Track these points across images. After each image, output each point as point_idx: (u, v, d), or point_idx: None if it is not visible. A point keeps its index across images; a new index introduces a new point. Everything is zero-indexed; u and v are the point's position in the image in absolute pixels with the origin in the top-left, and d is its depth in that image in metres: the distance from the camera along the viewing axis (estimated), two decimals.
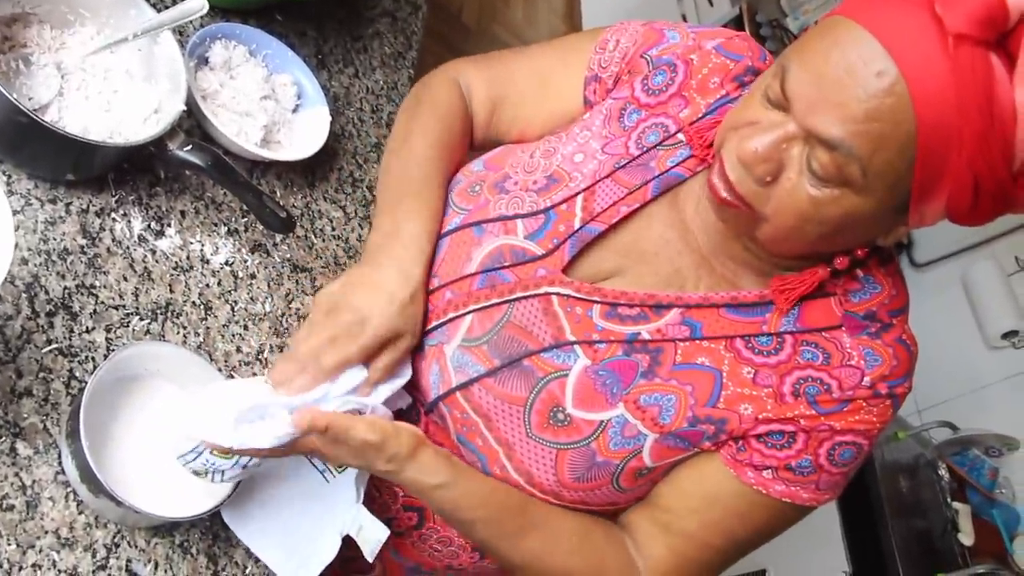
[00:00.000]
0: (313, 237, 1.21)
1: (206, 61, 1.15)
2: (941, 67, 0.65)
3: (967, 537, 2.30)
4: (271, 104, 1.19)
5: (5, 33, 0.96)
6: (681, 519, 0.86)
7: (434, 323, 0.89)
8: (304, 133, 1.24)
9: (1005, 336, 2.52)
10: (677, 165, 0.90)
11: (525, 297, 0.87)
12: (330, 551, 0.89)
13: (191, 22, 1.04)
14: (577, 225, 0.89)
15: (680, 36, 0.94)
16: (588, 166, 0.92)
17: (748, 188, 0.76)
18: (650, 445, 0.84)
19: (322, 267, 1.20)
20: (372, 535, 0.87)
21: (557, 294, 0.87)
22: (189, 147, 0.99)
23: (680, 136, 0.91)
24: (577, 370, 0.85)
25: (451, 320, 0.88)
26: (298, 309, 1.14)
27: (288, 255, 1.16)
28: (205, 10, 1.01)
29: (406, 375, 0.87)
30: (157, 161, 1.05)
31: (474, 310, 0.88)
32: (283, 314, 1.11)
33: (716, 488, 0.85)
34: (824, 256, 0.83)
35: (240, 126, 1.14)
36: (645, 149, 0.91)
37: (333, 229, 1.24)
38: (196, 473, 0.81)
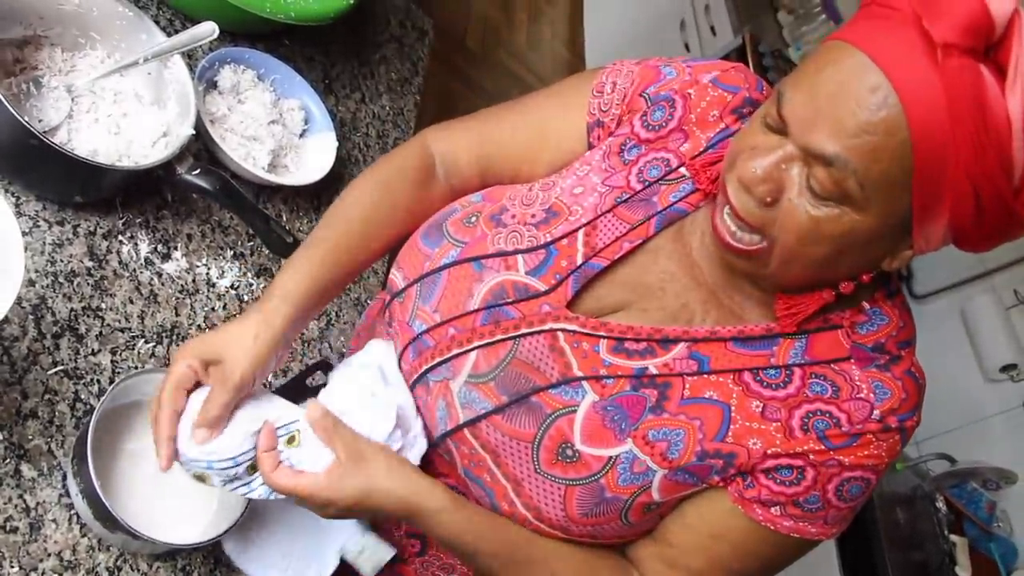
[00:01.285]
0: None
1: (215, 85, 1.16)
2: (931, 77, 0.67)
3: (964, 571, 2.29)
4: (279, 129, 1.20)
5: (16, 55, 0.97)
6: (687, 555, 0.86)
7: (437, 359, 0.89)
8: (311, 158, 1.25)
9: (1003, 369, 2.52)
10: (680, 200, 0.90)
11: (531, 334, 0.87)
12: (328, 572, 0.89)
13: (200, 46, 1.05)
14: (580, 261, 0.89)
15: (676, 72, 0.95)
16: (588, 199, 0.92)
17: (752, 212, 0.76)
18: (659, 481, 0.83)
19: None
20: (375, 555, 0.87)
21: (563, 330, 0.87)
22: (197, 171, 1.00)
23: (682, 171, 0.91)
24: (585, 406, 0.85)
25: (455, 356, 0.88)
26: (303, 333, 1.14)
27: None
28: (215, 35, 1.03)
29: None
30: (165, 184, 1.06)
31: (479, 346, 0.88)
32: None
33: (723, 524, 0.85)
34: (829, 283, 0.83)
35: (248, 150, 1.15)
36: (647, 184, 0.91)
37: None
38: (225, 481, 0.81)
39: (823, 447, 0.81)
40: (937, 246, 0.78)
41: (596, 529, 0.85)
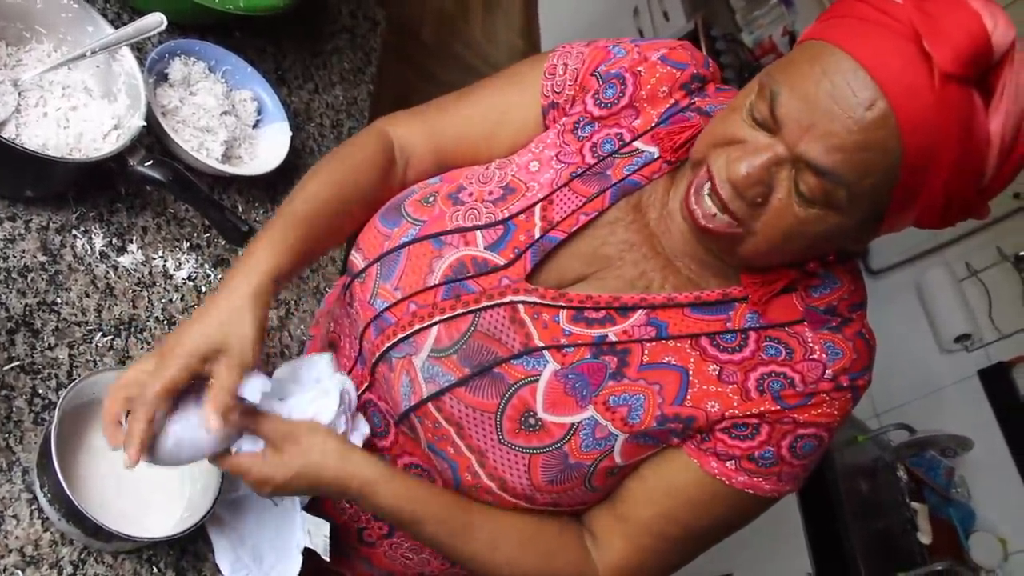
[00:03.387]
0: None
1: (165, 77, 1.16)
2: (927, 101, 0.69)
3: (925, 536, 2.35)
4: (231, 120, 1.19)
5: None
6: (639, 509, 0.88)
7: (399, 336, 0.90)
8: (265, 148, 1.25)
9: (957, 340, 2.58)
10: (634, 173, 0.92)
11: (491, 307, 0.88)
12: (294, 569, 0.91)
13: (149, 38, 1.04)
14: (537, 234, 0.91)
15: (626, 51, 0.96)
16: (544, 175, 0.94)
17: (739, 207, 0.78)
18: (620, 445, 0.85)
19: None
20: (319, 532, 0.89)
21: (523, 302, 0.88)
22: (150, 162, 1.00)
23: (635, 144, 0.93)
24: (547, 375, 0.86)
25: (417, 332, 0.89)
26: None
27: None
28: (163, 26, 1.02)
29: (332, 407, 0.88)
30: (118, 177, 1.05)
31: (440, 321, 0.89)
32: None
33: (678, 478, 0.87)
34: (796, 264, 0.86)
35: (201, 141, 1.14)
36: (601, 158, 0.93)
37: None
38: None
39: (778, 407, 0.84)
40: (900, 230, 0.82)
41: (560, 496, 0.87)
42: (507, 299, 0.88)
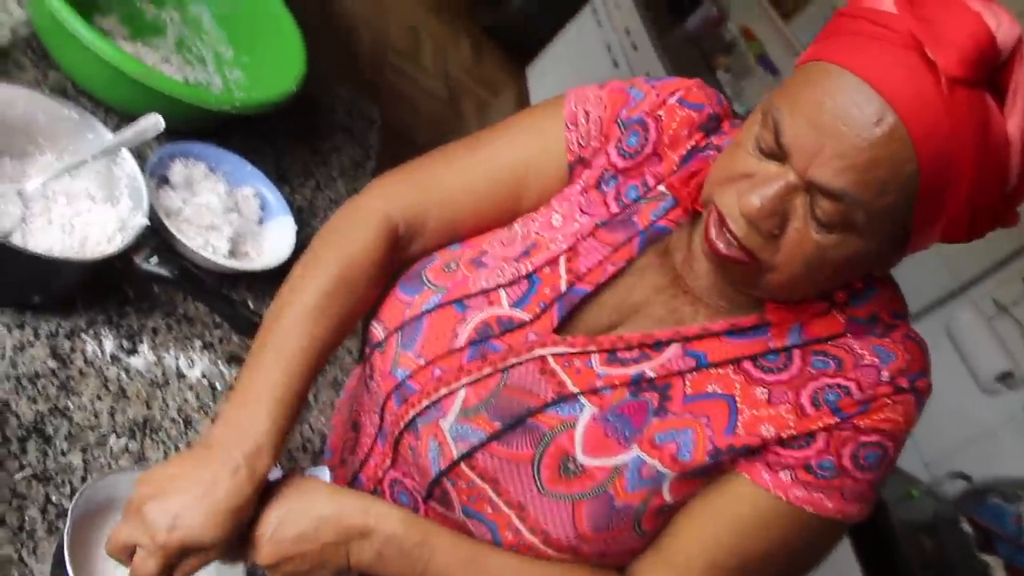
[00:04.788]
0: None
1: (167, 180, 1.17)
2: (937, 108, 0.66)
3: None
4: (235, 217, 1.19)
5: None
6: (686, 542, 0.81)
7: (424, 403, 0.86)
8: (272, 242, 1.24)
9: (999, 379, 2.50)
10: (660, 218, 0.89)
11: (519, 363, 0.85)
12: None
13: (149, 144, 1.05)
14: (563, 288, 0.87)
15: (644, 92, 0.92)
16: (568, 228, 0.90)
17: (755, 242, 0.75)
18: (670, 483, 0.80)
19: None
20: None
21: (552, 354, 0.85)
22: (156, 260, 0.99)
23: (660, 188, 0.91)
24: (585, 419, 0.82)
25: (443, 397, 0.85)
26: None
27: None
28: (161, 127, 1.04)
29: None
30: (125, 278, 1.04)
31: (467, 384, 0.85)
32: None
33: (726, 497, 0.80)
34: (823, 295, 0.83)
35: (206, 239, 1.14)
36: (625, 206, 0.91)
37: None
38: None
39: (837, 419, 0.78)
40: (927, 247, 0.79)
41: (608, 544, 0.81)
42: (535, 353, 0.85)
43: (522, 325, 0.86)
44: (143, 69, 1.11)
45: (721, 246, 0.77)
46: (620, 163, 0.91)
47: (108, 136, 1.02)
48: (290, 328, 0.84)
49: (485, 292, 0.88)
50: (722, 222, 0.76)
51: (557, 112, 0.93)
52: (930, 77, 0.66)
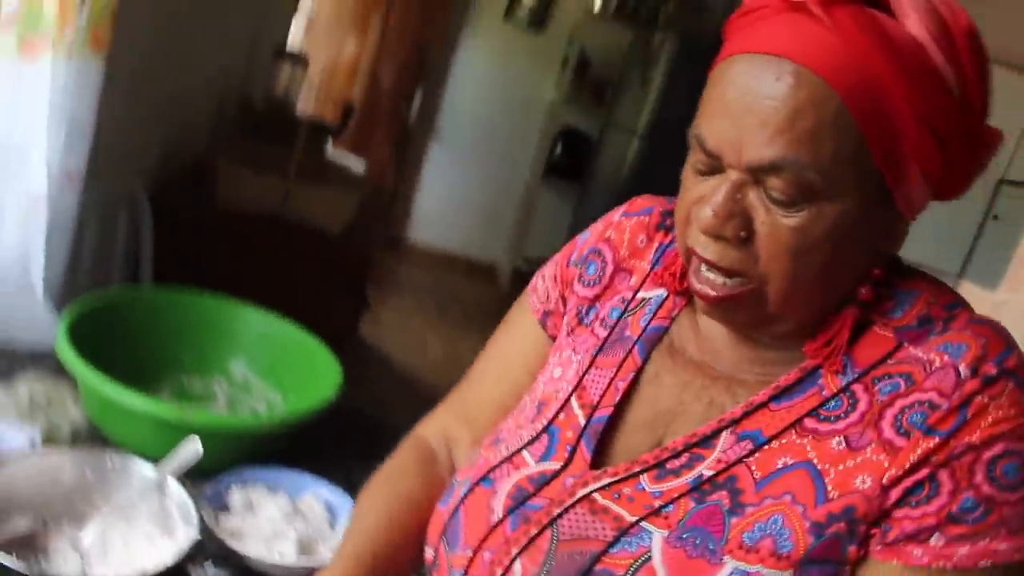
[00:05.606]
0: None
1: (226, 507, 1.18)
2: (827, 38, 0.66)
3: None
4: (300, 524, 1.18)
5: (26, 542, 1.00)
6: None
7: None
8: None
9: None
10: (651, 320, 0.88)
11: (565, 511, 0.78)
12: None
13: (210, 484, 1.09)
14: (583, 423, 0.84)
15: (590, 231, 0.97)
16: (569, 372, 0.90)
17: (732, 257, 0.72)
18: None
19: None
20: None
21: (596, 490, 0.78)
22: (212, 569, 0.97)
23: (639, 296, 0.90)
24: (658, 546, 0.72)
25: None
26: None
27: None
28: (200, 454, 1.08)
29: None
30: None
31: (518, 554, 0.78)
32: None
33: None
34: (842, 297, 0.76)
35: (272, 548, 1.12)
36: (612, 326, 0.90)
37: None
38: None
39: (936, 440, 0.67)
40: (922, 203, 0.74)
41: None
42: (578, 495, 0.78)
43: (556, 475, 0.81)
44: (187, 414, 1.19)
45: (710, 290, 0.74)
46: (589, 293, 0.93)
47: (151, 471, 1.06)
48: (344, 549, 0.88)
49: (508, 459, 0.85)
50: (700, 258, 0.73)
51: (524, 296, 1.02)
52: (806, 18, 0.67)
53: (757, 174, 0.69)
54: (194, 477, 1.11)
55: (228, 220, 2.71)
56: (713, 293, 0.74)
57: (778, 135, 0.67)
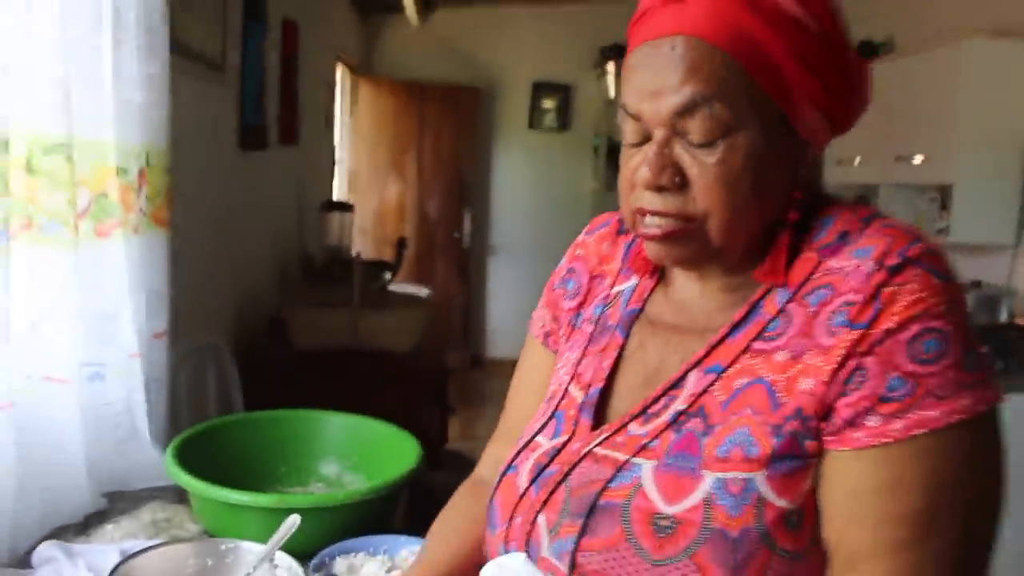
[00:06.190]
0: None
1: (332, 574, 1.30)
2: (704, 12, 0.81)
3: None
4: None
5: None
6: (855, 542, 0.76)
7: (514, 551, 0.91)
8: None
9: None
10: (627, 306, 1.01)
11: (573, 468, 0.91)
12: None
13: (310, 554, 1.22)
14: (581, 400, 0.97)
15: (564, 257, 1.14)
16: (567, 366, 1.04)
17: (672, 202, 0.85)
18: (763, 484, 0.77)
19: None
20: None
21: (596, 445, 0.91)
22: None
23: (615, 289, 1.04)
24: (648, 474, 0.84)
25: (530, 533, 0.91)
26: None
27: None
28: (297, 523, 1.22)
29: None
30: None
31: (540, 509, 0.91)
32: None
33: (850, 480, 0.77)
34: (775, 222, 0.88)
35: None
36: (596, 321, 1.03)
37: None
38: None
39: (858, 332, 0.77)
40: (824, 136, 0.88)
41: None
42: (582, 453, 0.91)
43: (565, 444, 0.95)
44: (287, 497, 1.34)
45: (656, 230, 0.86)
46: (574, 304, 1.08)
47: (258, 548, 1.20)
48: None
49: (526, 445, 0.99)
50: (646, 211, 0.87)
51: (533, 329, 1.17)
52: (683, 4, 0.83)
53: (676, 123, 0.84)
54: (300, 558, 1.24)
55: (305, 357, 2.93)
56: (659, 232, 0.86)
57: (683, 84, 0.82)
